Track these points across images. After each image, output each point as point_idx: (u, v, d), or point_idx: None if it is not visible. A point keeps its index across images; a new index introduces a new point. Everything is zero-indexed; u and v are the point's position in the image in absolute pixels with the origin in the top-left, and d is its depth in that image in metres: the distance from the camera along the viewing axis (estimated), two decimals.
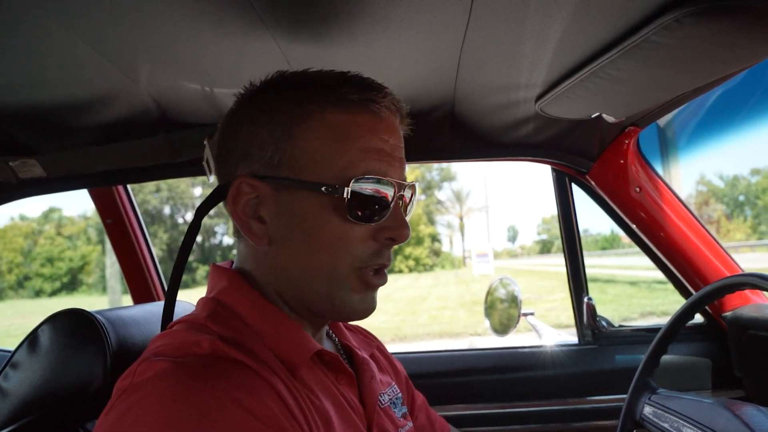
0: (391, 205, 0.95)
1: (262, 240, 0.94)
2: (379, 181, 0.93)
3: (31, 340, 1.25)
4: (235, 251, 1.07)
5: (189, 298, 1.41)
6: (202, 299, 0.99)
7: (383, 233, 0.95)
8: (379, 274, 0.98)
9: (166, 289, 2.40)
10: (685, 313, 1.54)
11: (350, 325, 1.28)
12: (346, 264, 0.94)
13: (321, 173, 0.92)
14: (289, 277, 0.96)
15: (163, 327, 1.28)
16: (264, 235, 0.94)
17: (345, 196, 0.91)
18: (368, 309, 0.98)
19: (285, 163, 0.93)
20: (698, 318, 2.10)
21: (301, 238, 0.93)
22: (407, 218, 1.00)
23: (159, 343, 0.86)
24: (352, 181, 0.91)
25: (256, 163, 0.94)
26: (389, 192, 0.94)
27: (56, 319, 1.25)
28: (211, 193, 1.00)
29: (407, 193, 1.00)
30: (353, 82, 0.96)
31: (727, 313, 1.97)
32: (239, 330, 0.90)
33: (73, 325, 1.24)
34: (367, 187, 0.92)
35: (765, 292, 1.90)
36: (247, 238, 0.95)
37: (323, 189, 0.91)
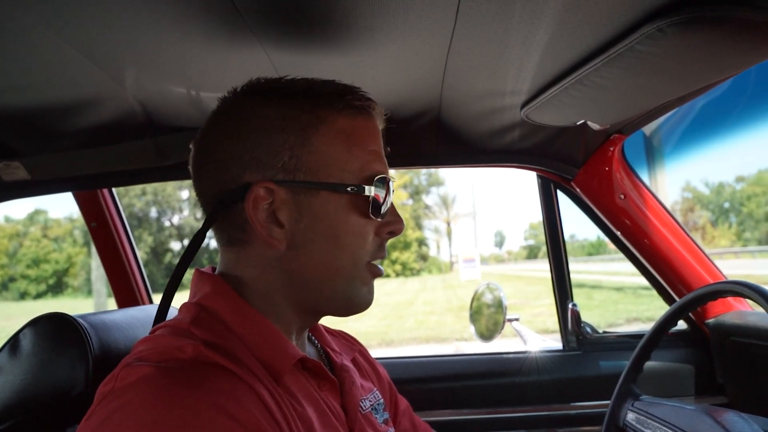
0: (390, 201, 1.02)
1: (282, 244, 0.95)
2: (387, 181, 1.00)
3: (13, 344, 1.24)
4: None
5: (174, 301, 1.40)
6: (185, 304, 0.98)
7: (384, 228, 1.02)
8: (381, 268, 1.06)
9: (150, 293, 2.40)
10: (669, 320, 1.55)
11: (332, 329, 1.29)
12: (363, 260, 1.00)
13: (339, 175, 0.96)
14: (306, 279, 0.97)
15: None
16: (283, 240, 0.95)
17: (369, 194, 0.97)
18: (372, 299, 1.05)
19: (302, 167, 0.95)
20: (681, 324, 2.11)
21: (323, 239, 0.96)
22: None
23: (141, 348, 0.85)
24: (375, 180, 0.98)
25: (269, 168, 0.94)
26: (390, 189, 1.01)
27: (38, 323, 1.24)
28: (217, 200, 0.98)
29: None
30: (353, 90, 1.01)
31: (710, 320, 1.99)
32: (223, 335, 0.89)
33: (55, 330, 1.23)
34: (381, 186, 0.99)
35: (747, 300, 1.92)
36: (268, 243, 0.95)
37: (348, 189, 0.96)
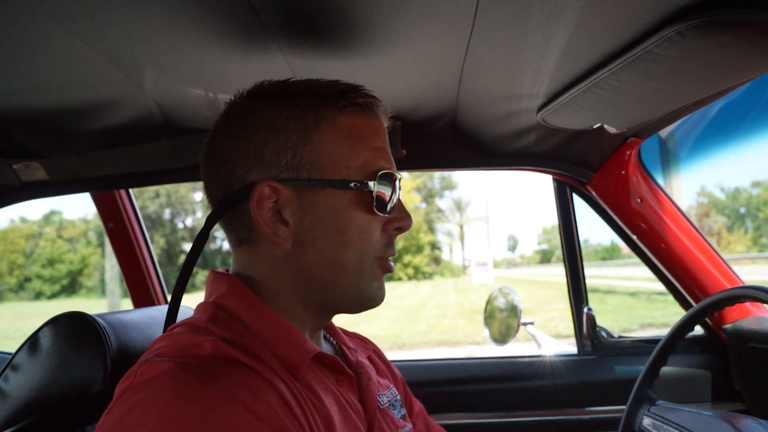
0: (397, 197, 1.03)
1: (287, 242, 0.97)
2: (392, 177, 1.00)
3: (32, 342, 1.25)
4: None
5: (189, 302, 1.41)
6: (201, 304, 1.00)
7: (392, 224, 1.03)
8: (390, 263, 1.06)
9: (166, 293, 2.41)
10: (685, 325, 1.54)
11: (346, 330, 1.30)
12: (370, 256, 1.00)
13: (343, 172, 0.97)
14: (314, 277, 0.98)
15: (165, 330, 1.29)
16: (289, 238, 0.97)
17: (372, 190, 0.98)
18: (384, 295, 1.06)
19: (305, 165, 0.96)
20: (698, 330, 2.09)
21: (328, 236, 0.97)
22: None
23: (160, 345, 0.87)
24: (378, 175, 0.98)
25: (273, 168, 0.96)
26: (396, 186, 1.02)
27: (57, 322, 1.25)
28: (222, 200, 1.00)
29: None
30: (355, 89, 1.02)
31: (727, 326, 1.97)
32: (240, 332, 0.90)
33: (73, 328, 1.24)
34: (385, 182, 0.99)
35: (765, 305, 1.90)
36: (273, 241, 0.96)
37: (352, 185, 0.97)
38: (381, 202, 0.99)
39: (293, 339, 0.94)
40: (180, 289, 1.10)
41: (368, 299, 1.02)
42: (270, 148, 0.97)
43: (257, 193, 0.95)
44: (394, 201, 1.02)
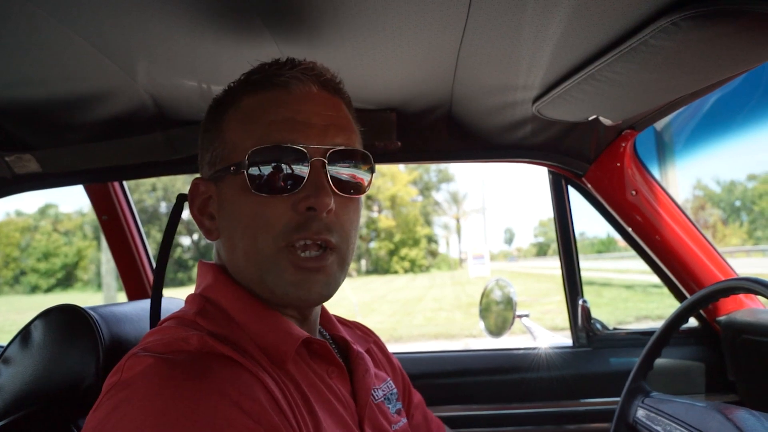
0: (306, 173, 0.92)
1: (212, 235, 1.00)
2: (280, 149, 0.91)
3: (24, 335, 1.24)
4: None
5: (185, 295, 1.41)
6: (190, 296, 1.01)
7: (303, 203, 0.91)
8: (309, 253, 0.93)
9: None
10: (680, 317, 1.54)
11: (346, 320, 1.29)
12: (268, 243, 0.92)
13: (236, 157, 0.95)
14: (237, 267, 0.98)
15: (152, 323, 1.29)
16: (214, 230, 1.00)
17: (245, 170, 0.91)
18: (307, 294, 0.93)
19: (217, 158, 0.98)
20: (692, 322, 2.10)
21: (230, 224, 0.97)
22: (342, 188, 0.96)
23: (149, 339, 0.87)
24: (251, 152, 0.91)
25: (206, 165, 1.02)
26: (299, 158, 0.91)
27: (49, 315, 1.24)
28: (179, 197, 1.07)
29: (337, 162, 0.95)
30: (265, 67, 0.99)
31: (722, 318, 1.98)
32: (227, 326, 0.91)
33: (65, 321, 1.23)
34: (269, 157, 0.91)
35: (759, 297, 1.91)
36: (205, 235, 1.01)
37: (231, 169, 0.94)
38: (263, 181, 0.90)
39: (279, 326, 0.93)
40: (158, 282, 1.14)
41: (279, 294, 0.93)
42: (202, 149, 1.03)
43: (191, 190, 1.02)
44: (303, 176, 0.91)
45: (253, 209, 0.92)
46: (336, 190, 0.93)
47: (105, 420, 0.72)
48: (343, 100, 1.03)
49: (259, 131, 0.93)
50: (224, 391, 0.74)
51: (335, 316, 1.23)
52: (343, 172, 0.96)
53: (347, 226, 0.97)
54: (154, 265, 2.46)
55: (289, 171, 0.91)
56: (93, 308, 1.28)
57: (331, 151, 0.94)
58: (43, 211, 54.60)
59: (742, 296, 1.98)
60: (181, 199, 1.10)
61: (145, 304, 1.50)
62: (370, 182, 1.01)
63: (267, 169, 0.90)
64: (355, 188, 0.97)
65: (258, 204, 0.91)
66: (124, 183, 2.36)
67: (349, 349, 1.11)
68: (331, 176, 0.93)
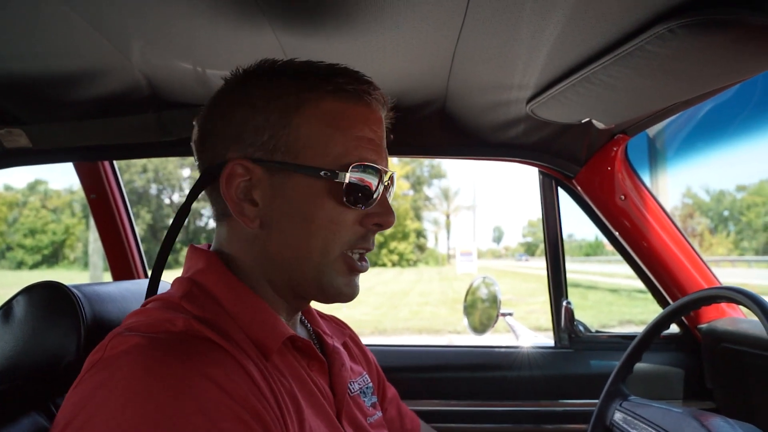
0: (380, 192, 0.98)
1: (254, 223, 0.96)
2: (372, 169, 0.96)
3: (5, 311, 1.23)
4: None
5: (171, 278, 1.41)
6: (177, 279, 0.99)
7: (371, 219, 0.99)
8: (362, 260, 1.01)
9: (146, 267, 2.40)
10: (661, 323, 1.56)
11: (323, 313, 1.30)
12: (336, 248, 0.97)
13: (317, 159, 0.94)
14: (279, 260, 0.97)
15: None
16: (256, 218, 0.96)
17: (343, 181, 0.94)
18: (353, 293, 1.01)
19: (281, 148, 0.95)
20: (674, 328, 2.11)
21: (294, 221, 0.95)
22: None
23: (132, 320, 0.86)
24: (351, 167, 0.94)
25: (250, 146, 0.96)
26: (378, 180, 0.98)
27: (32, 291, 1.23)
28: (201, 175, 1.00)
29: (388, 182, 1.04)
30: (347, 74, 0.99)
31: (703, 325, 1.99)
32: (214, 311, 0.90)
33: (48, 298, 1.22)
34: (362, 174, 0.95)
35: (741, 307, 1.92)
36: (239, 220, 0.96)
37: (322, 174, 0.94)
38: (354, 195, 0.95)
39: (267, 321, 0.94)
40: (161, 262, 1.10)
41: (332, 293, 0.99)
42: (249, 127, 0.96)
43: (228, 170, 0.94)
44: (377, 195, 0.98)
45: (329, 215, 0.95)
46: None
47: (88, 398, 0.72)
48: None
49: (346, 142, 0.96)
50: (207, 372, 0.74)
51: (314, 309, 1.23)
52: (389, 194, 1.05)
53: None
54: (141, 246, 2.46)
55: (371, 189, 0.97)
56: (76, 286, 1.27)
57: (391, 176, 1.03)
58: (32, 187, 54.23)
59: (724, 305, 1.99)
60: (209, 174, 1.00)
61: (129, 285, 1.49)
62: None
63: (359, 185, 0.96)
64: None
65: (335, 211, 0.95)
66: (115, 163, 2.35)
67: (325, 344, 1.12)
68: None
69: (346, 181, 0.94)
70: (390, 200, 1.06)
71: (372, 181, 0.97)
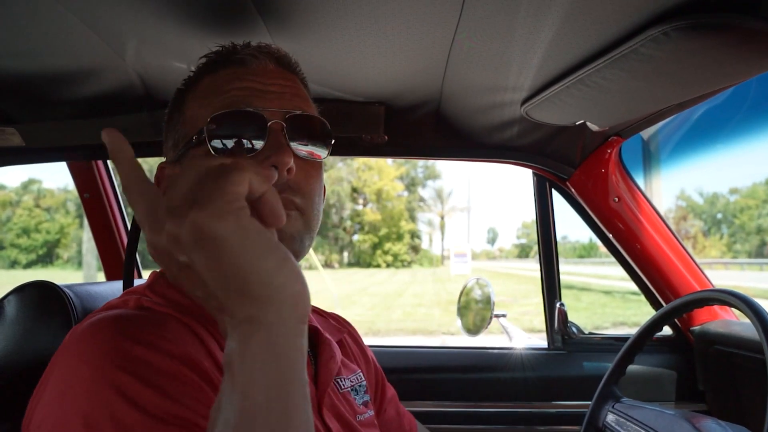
0: (266, 135, 0.90)
1: None
2: (240, 114, 0.90)
3: None
4: None
5: None
6: (151, 273, 0.99)
7: (264, 164, 0.88)
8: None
9: (140, 266, 2.39)
10: (654, 325, 1.56)
11: (323, 311, 1.29)
12: None
13: (195, 130, 0.93)
14: None
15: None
16: None
17: (204, 135, 0.90)
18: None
19: (180, 138, 0.97)
20: (667, 330, 2.12)
21: None
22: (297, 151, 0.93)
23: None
24: (209, 118, 0.90)
25: (170, 149, 1.00)
26: (258, 122, 0.90)
27: (23, 291, 1.23)
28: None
29: (294, 126, 0.93)
30: (222, 48, 1.00)
31: (696, 328, 2.00)
32: (179, 297, 0.88)
33: (39, 297, 1.22)
34: (229, 123, 0.89)
35: (733, 309, 1.93)
36: None
37: (193, 139, 0.92)
38: (223, 146, 0.89)
39: None
40: (130, 262, 1.11)
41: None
42: (166, 135, 1.01)
43: (156, 174, 0.99)
44: (265, 136, 0.89)
45: None
46: (296, 154, 0.92)
47: (37, 392, 0.74)
48: (299, 77, 1.04)
49: (217, 102, 0.92)
50: (148, 339, 0.73)
51: (314, 307, 1.22)
52: (303, 134, 0.94)
53: (311, 190, 0.95)
54: (137, 245, 2.44)
55: (250, 134, 0.89)
56: (68, 286, 1.27)
57: (289, 114, 0.92)
58: (25, 186, 54.00)
59: (716, 307, 2.00)
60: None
61: (121, 285, 1.49)
62: (329, 148, 0.99)
63: (228, 134, 0.89)
64: (314, 153, 0.96)
65: None
66: (109, 162, 2.34)
67: (318, 334, 1.11)
68: (290, 140, 0.91)
69: (208, 137, 0.89)
70: (316, 148, 0.96)
71: (250, 124, 0.90)
